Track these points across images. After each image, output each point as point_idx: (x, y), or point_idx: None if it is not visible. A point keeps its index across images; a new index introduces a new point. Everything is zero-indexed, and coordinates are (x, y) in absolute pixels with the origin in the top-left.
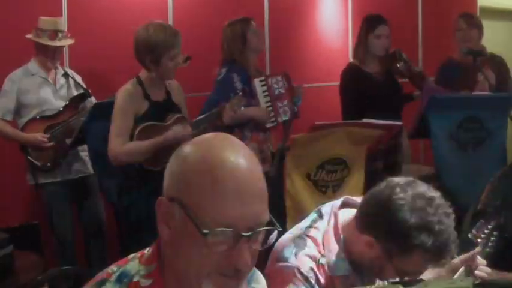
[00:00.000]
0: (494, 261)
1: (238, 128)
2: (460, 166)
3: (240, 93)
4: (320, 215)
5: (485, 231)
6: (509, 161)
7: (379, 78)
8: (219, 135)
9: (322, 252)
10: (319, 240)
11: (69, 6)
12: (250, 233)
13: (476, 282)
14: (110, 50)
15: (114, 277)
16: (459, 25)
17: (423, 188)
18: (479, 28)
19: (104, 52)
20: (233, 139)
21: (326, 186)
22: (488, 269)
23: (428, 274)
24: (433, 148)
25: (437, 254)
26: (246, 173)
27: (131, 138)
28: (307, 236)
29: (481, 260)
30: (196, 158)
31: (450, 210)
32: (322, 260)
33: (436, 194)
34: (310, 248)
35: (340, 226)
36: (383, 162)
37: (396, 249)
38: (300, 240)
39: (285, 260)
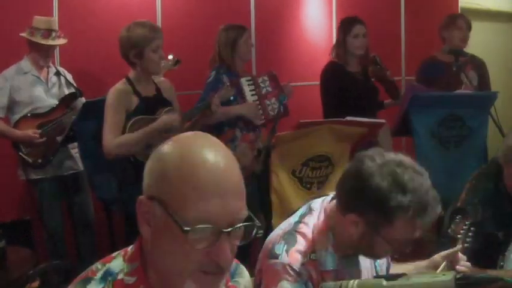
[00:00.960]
0: (473, 258)
1: (228, 128)
2: (441, 163)
3: (228, 84)
4: (310, 210)
5: (464, 227)
6: (489, 158)
7: (359, 77)
8: (197, 134)
9: (313, 247)
10: (309, 236)
11: (60, 6)
12: (230, 229)
13: (458, 276)
14: (99, 50)
15: (99, 275)
16: (459, 24)
17: (391, 155)
18: (470, 31)
19: (93, 52)
20: (211, 138)
21: (311, 182)
22: (469, 264)
23: (408, 268)
24: (415, 145)
25: (419, 211)
26: (225, 171)
27: (123, 133)
28: (297, 231)
29: (461, 256)
30: (175, 157)
31: (422, 169)
32: (313, 256)
33: (404, 157)
34: (301, 244)
35: (329, 221)
36: None
37: (378, 218)
38: (290, 236)
39: (276, 256)
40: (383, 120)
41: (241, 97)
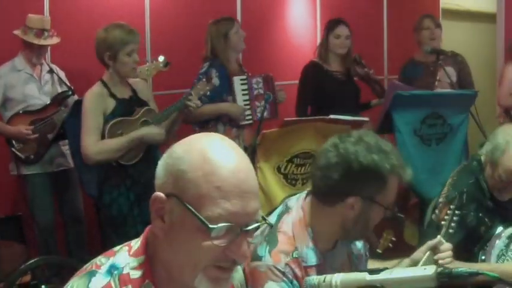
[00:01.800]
0: (455, 253)
1: (212, 122)
2: (423, 160)
3: (204, 79)
4: (287, 209)
5: (448, 211)
6: (470, 155)
7: (339, 77)
8: (211, 135)
9: (294, 245)
10: (290, 234)
11: (51, 5)
12: (248, 228)
13: (440, 270)
14: (89, 49)
15: (104, 269)
16: (426, 24)
17: (346, 135)
18: (441, 28)
19: (83, 50)
20: (226, 139)
21: (296, 179)
22: (449, 253)
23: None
24: (397, 143)
25: (401, 166)
26: (245, 172)
27: (102, 136)
28: (278, 231)
29: (446, 245)
30: (196, 157)
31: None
32: (295, 253)
33: (362, 132)
34: (283, 243)
35: (306, 217)
36: None
37: (375, 189)
38: (271, 236)
39: (260, 258)
40: (366, 119)
41: (232, 95)
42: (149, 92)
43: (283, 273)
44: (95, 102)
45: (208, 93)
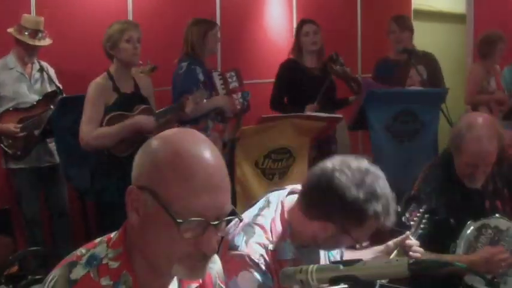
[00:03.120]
0: (427, 244)
1: (202, 118)
2: (395, 155)
3: (202, 86)
4: (268, 203)
5: (418, 214)
6: (440, 150)
7: (315, 73)
8: (187, 131)
9: (271, 238)
10: (267, 227)
11: (38, 4)
12: (217, 222)
13: (411, 261)
14: (77, 48)
15: (84, 259)
16: (391, 28)
17: (354, 162)
18: (410, 29)
19: (68, 50)
20: (199, 135)
21: (273, 173)
22: (421, 250)
23: (368, 254)
24: (371, 139)
25: (386, 213)
26: (216, 168)
27: (101, 126)
28: (256, 223)
29: (413, 241)
30: (168, 152)
31: (380, 173)
32: (271, 246)
33: (365, 162)
34: (259, 236)
35: (286, 214)
36: (317, 151)
37: (353, 224)
38: (249, 228)
39: (236, 248)
40: (340, 116)
41: (215, 90)
42: (151, 90)
43: (257, 264)
44: (98, 93)
45: (205, 100)
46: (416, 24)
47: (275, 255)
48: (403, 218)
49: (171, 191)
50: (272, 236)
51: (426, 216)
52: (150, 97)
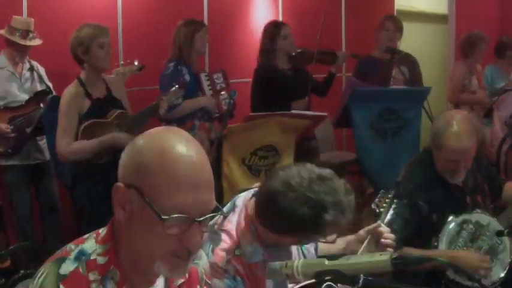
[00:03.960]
0: (409, 239)
1: (189, 117)
2: (379, 152)
3: (177, 85)
4: (233, 207)
5: (387, 200)
6: (422, 147)
7: (289, 73)
8: (172, 129)
9: (237, 243)
10: (233, 232)
11: (29, 6)
12: (202, 219)
13: (394, 256)
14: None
15: (73, 255)
16: (386, 26)
17: (296, 178)
18: (401, 31)
19: (57, 50)
20: (184, 133)
21: (259, 170)
22: (392, 236)
23: (340, 244)
24: (355, 136)
25: (341, 216)
26: (200, 166)
27: (76, 137)
28: (222, 229)
29: (384, 228)
30: (154, 150)
31: (327, 173)
32: (238, 251)
33: (307, 171)
34: (225, 242)
35: (250, 217)
36: (297, 147)
37: (312, 233)
38: (215, 235)
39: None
40: (325, 114)
41: (201, 90)
42: (123, 91)
43: (226, 271)
44: (71, 103)
45: (180, 99)
46: None
47: (243, 259)
48: (372, 205)
49: (156, 189)
50: (239, 241)
51: (395, 201)
52: (123, 99)
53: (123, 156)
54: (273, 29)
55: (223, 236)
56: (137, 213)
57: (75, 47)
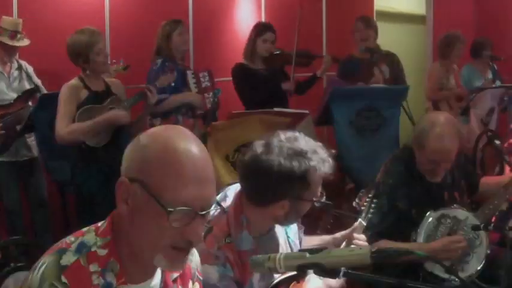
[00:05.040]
0: (388, 234)
1: (173, 113)
2: (358, 149)
3: (169, 72)
4: (225, 197)
5: (367, 199)
6: (401, 145)
7: (264, 73)
8: (174, 127)
9: (228, 231)
10: (224, 220)
11: (20, 7)
12: (204, 212)
13: (373, 249)
14: (50, 48)
15: (73, 247)
16: (357, 27)
17: (273, 138)
18: (375, 29)
19: (46, 49)
20: (186, 131)
21: None
22: (364, 237)
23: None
24: (335, 133)
25: (322, 162)
26: (204, 162)
27: (74, 122)
28: (214, 217)
29: (361, 236)
30: (158, 146)
31: (296, 134)
32: (228, 239)
33: (281, 134)
34: (216, 229)
35: (240, 207)
36: None
37: (302, 188)
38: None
39: None
40: (306, 111)
41: (187, 88)
42: (122, 90)
43: (216, 257)
44: (70, 92)
45: (172, 83)
46: (379, 25)
47: (233, 246)
48: (353, 203)
49: (162, 183)
50: (229, 229)
51: (374, 201)
52: (121, 95)
53: (127, 151)
54: (259, 30)
55: (215, 223)
56: (141, 206)
57: (74, 57)
